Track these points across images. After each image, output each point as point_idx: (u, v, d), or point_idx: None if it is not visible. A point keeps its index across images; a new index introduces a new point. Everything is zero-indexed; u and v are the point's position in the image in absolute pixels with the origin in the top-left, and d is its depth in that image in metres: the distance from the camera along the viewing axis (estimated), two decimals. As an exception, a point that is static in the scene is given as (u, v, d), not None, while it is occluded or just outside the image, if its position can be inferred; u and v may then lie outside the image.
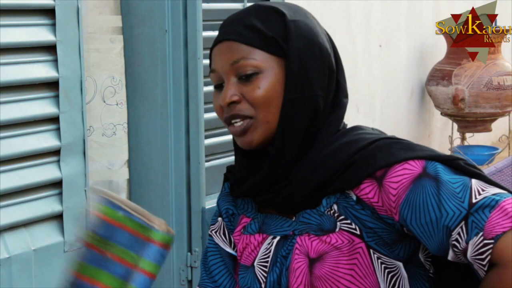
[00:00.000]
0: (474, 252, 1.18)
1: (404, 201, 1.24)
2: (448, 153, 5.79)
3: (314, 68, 1.32)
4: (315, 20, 1.38)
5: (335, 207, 1.30)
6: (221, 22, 1.39)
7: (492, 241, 1.16)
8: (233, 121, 1.34)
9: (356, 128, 1.37)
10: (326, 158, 1.30)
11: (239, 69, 1.32)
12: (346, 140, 1.32)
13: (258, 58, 1.31)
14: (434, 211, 1.22)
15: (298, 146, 1.32)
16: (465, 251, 1.20)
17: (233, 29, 1.34)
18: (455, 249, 1.21)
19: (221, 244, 1.47)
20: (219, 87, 1.36)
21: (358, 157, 1.28)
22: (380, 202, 1.27)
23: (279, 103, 1.31)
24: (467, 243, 1.19)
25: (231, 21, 1.36)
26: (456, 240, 1.20)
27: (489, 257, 1.16)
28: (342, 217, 1.29)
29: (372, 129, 1.39)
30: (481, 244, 1.17)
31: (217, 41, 1.36)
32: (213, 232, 1.49)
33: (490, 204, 1.18)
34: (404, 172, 1.25)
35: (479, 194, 1.20)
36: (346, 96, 1.39)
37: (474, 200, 1.20)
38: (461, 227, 1.20)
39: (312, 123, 1.33)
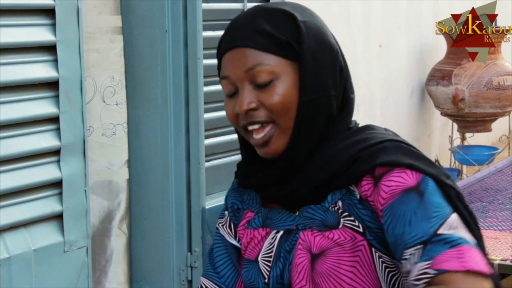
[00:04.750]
0: (414, 276, 1.19)
1: (389, 207, 1.25)
2: (448, 153, 5.79)
3: (327, 68, 1.32)
4: (319, 18, 1.39)
5: (339, 203, 1.30)
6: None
7: (435, 272, 1.16)
8: (250, 128, 1.32)
9: (368, 128, 1.37)
10: (334, 155, 1.31)
11: (255, 76, 1.30)
12: (357, 138, 1.32)
13: (273, 64, 1.29)
14: (405, 226, 1.22)
15: (312, 146, 1.32)
16: (409, 272, 1.21)
17: (243, 34, 1.31)
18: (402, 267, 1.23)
19: (227, 237, 1.48)
20: (232, 95, 1.34)
21: (364, 154, 1.29)
22: (374, 201, 1.28)
23: (295, 107, 1.30)
24: (413, 265, 1.20)
25: (239, 26, 1.33)
26: (407, 259, 1.21)
27: (423, 285, 1.17)
28: (346, 213, 1.30)
29: (385, 129, 1.38)
30: (423, 271, 1.18)
31: (228, 47, 1.32)
32: (220, 225, 1.50)
33: (452, 243, 1.18)
34: (399, 180, 1.25)
35: (449, 229, 1.20)
36: (353, 91, 1.40)
37: (440, 231, 1.20)
38: (417, 249, 1.20)
39: (327, 122, 1.33)
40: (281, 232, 1.36)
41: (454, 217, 1.22)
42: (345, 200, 1.30)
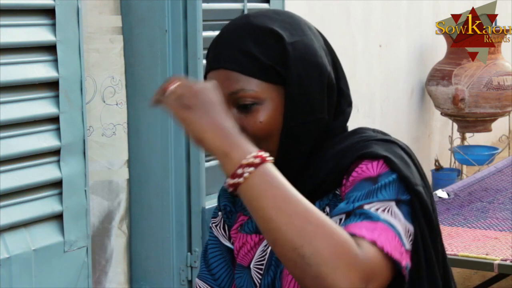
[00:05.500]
0: None
1: (346, 194, 1.23)
2: (448, 153, 5.80)
3: (314, 92, 1.29)
4: (310, 31, 1.33)
5: (327, 209, 1.29)
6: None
7: None
8: None
9: (357, 132, 1.34)
10: (322, 164, 1.30)
11: (238, 100, 1.27)
12: (345, 145, 1.30)
13: (257, 89, 1.26)
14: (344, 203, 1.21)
15: (301, 163, 1.30)
16: None
17: (229, 55, 1.28)
18: None
19: (221, 238, 1.47)
20: None
21: (346, 155, 1.27)
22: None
23: (279, 132, 1.28)
24: None
25: (225, 43, 1.30)
26: None
27: None
28: None
29: (374, 130, 1.36)
30: None
31: (213, 67, 1.30)
32: (213, 225, 1.48)
33: (372, 218, 1.16)
34: (364, 169, 1.23)
35: (376, 210, 1.17)
36: (349, 104, 1.36)
37: (365, 207, 1.17)
38: (339, 218, 1.19)
39: (316, 141, 1.31)
40: None
41: (389, 205, 1.19)
42: (332, 206, 1.29)
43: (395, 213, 1.19)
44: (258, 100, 1.27)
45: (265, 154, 1.13)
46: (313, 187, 1.29)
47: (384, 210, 1.18)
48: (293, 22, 1.32)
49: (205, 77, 1.32)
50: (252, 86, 1.27)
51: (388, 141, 1.29)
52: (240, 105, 1.27)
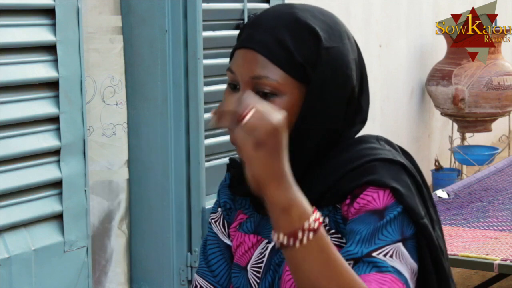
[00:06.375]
0: None
1: (351, 222, 1.23)
2: (448, 153, 5.79)
3: (333, 102, 1.28)
4: (348, 40, 1.32)
5: (326, 220, 1.28)
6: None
7: None
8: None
9: (361, 141, 1.33)
10: (325, 173, 1.29)
11: (258, 85, 1.26)
12: (348, 157, 1.29)
13: (280, 80, 1.25)
14: (350, 241, 1.21)
15: (300, 172, 1.29)
16: None
17: (263, 39, 1.26)
18: None
19: (220, 235, 1.46)
20: (233, 86, 1.30)
21: (351, 174, 1.26)
22: (348, 216, 1.26)
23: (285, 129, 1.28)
24: None
25: (263, 26, 1.28)
26: None
27: None
28: (333, 231, 1.28)
29: (377, 138, 1.35)
30: None
31: (244, 45, 1.29)
32: (213, 221, 1.47)
33: (381, 268, 1.17)
34: (369, 199, 1.23)
35: (384, 255, 1.18)
36: (363, 121, 1.35)
37: (374, 254, 1.18)
38: (348, 264, 1.18)
39: (320, 150, 1.30)
40: (272, 243, 1.33)
41: (396, 247, 1.20)
42: (331, 217, 1.28)
43: (402, 254, 1.20)
44: (277, 92, 1.26)
45: (320, 216, 1.11)
46: (313, 199, 1.28)
47: (392, 255, 1.19)
48: (335, 27, 1.31)
49: (232, 54, 1.31)
50: (276, 76, 1.26)
51: (394, 162, 1.28)
52: (258, 91, 1.26)
